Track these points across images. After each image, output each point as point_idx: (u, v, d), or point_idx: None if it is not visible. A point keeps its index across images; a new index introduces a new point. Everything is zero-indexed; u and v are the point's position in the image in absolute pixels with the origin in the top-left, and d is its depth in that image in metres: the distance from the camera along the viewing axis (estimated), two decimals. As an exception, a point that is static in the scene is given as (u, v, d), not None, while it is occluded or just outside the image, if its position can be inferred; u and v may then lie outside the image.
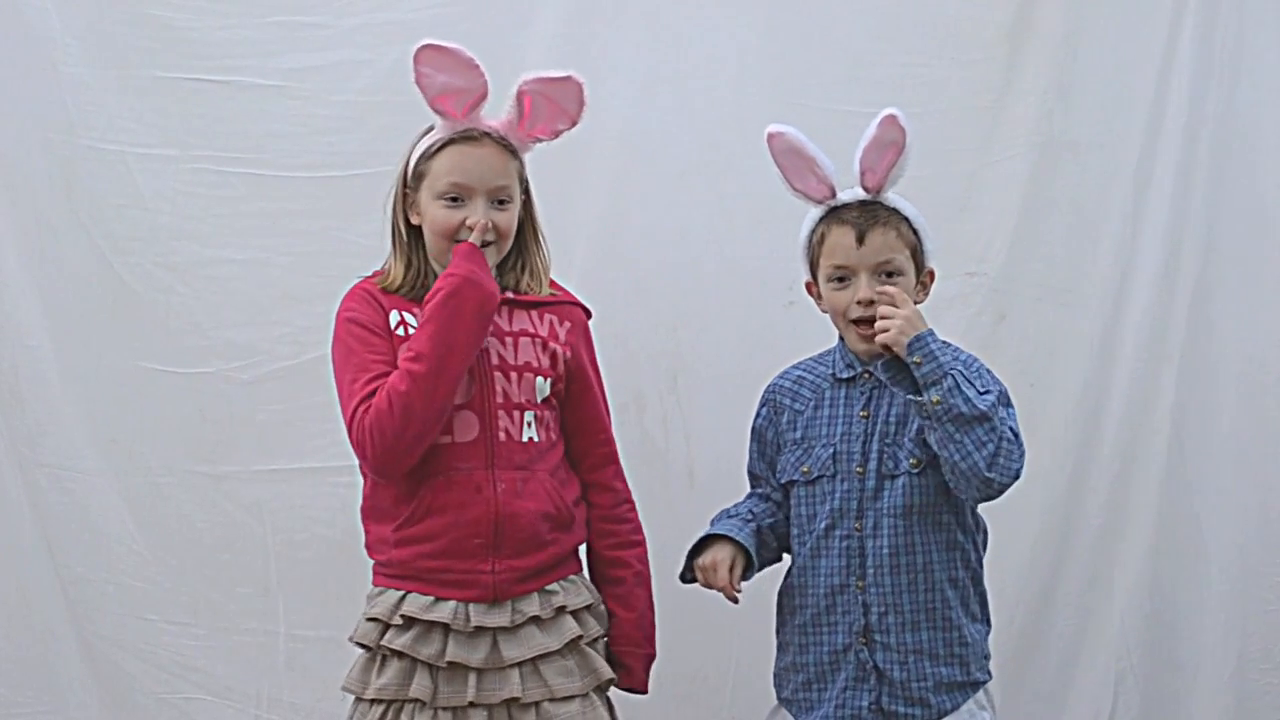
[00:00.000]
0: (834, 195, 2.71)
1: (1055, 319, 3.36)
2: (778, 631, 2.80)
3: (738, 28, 3.35)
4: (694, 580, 2.75)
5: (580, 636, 2.63)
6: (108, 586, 3.35)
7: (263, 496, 3.34)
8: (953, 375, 2.54)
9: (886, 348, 2.60)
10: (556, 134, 2.66)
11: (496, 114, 2.64)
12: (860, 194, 2.69)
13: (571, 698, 2.59)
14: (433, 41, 2.61)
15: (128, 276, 3.35)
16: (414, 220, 2.66)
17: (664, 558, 3.30)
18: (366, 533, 2.69)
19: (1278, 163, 3.35)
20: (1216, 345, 3.36)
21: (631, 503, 2.81)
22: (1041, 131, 3.33)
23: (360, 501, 2.71)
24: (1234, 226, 3.36)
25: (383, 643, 2.58)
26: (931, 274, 2.74)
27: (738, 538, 2.70)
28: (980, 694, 2.71)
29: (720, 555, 2.69)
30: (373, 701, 2.59)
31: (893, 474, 2.66)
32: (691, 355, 3.35)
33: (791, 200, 3.31)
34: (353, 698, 2.65)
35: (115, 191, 3.34)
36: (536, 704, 2.57)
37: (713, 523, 2.78)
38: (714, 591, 2.71)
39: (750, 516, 2.77)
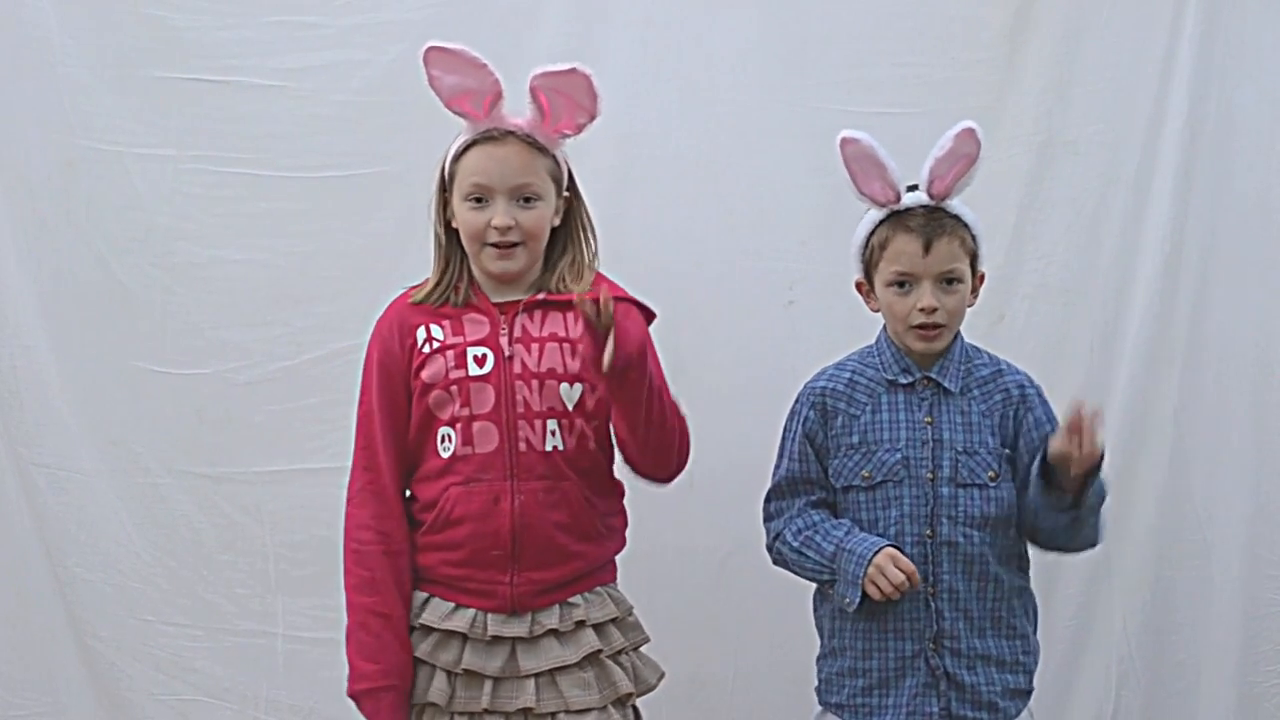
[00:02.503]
0: (898, 200, 2.69)
1: (1055, 319, 3.35)
2: (830, 636, 2.75)
3: (738, 28, 3.35)
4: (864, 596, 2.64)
5: (600, 650, 2.60)
6: (106, 587, 3.35)
7: (261, 498, 3.34)
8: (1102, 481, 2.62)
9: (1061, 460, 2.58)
10: (580, 128, 2.63)
11: (523, 111, 2.63)
12: (923, 199, 2.68)
13: (588, 710, 2.56)
14: (437, 44, 2.59)
15: (125, 277, 3.35)
16: (454, 224, 2.64)
17: (664, 558, 3.32)
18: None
19: (1278, 162, 3.35)
20: (1218, 345, 3.36)
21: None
22: (1041, 131, 3.33)
23: None
24: (1234, 226, 3.35)
25: None
26: (982, 277, 2.76)
27: (886, 543, 2.63)
28: (1030, 702, 2.73)
29: (880, 559, 2.59)
30: None
31: (969, 483, 2.66)
32: (691, 355, 3.33)
33: (791, 200, 3.33)
34: None
35: (113, 192, 3.34)
36: (552, 715, 2.56)
37: (834, 541, 2.66)
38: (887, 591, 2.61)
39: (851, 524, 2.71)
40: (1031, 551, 2.78)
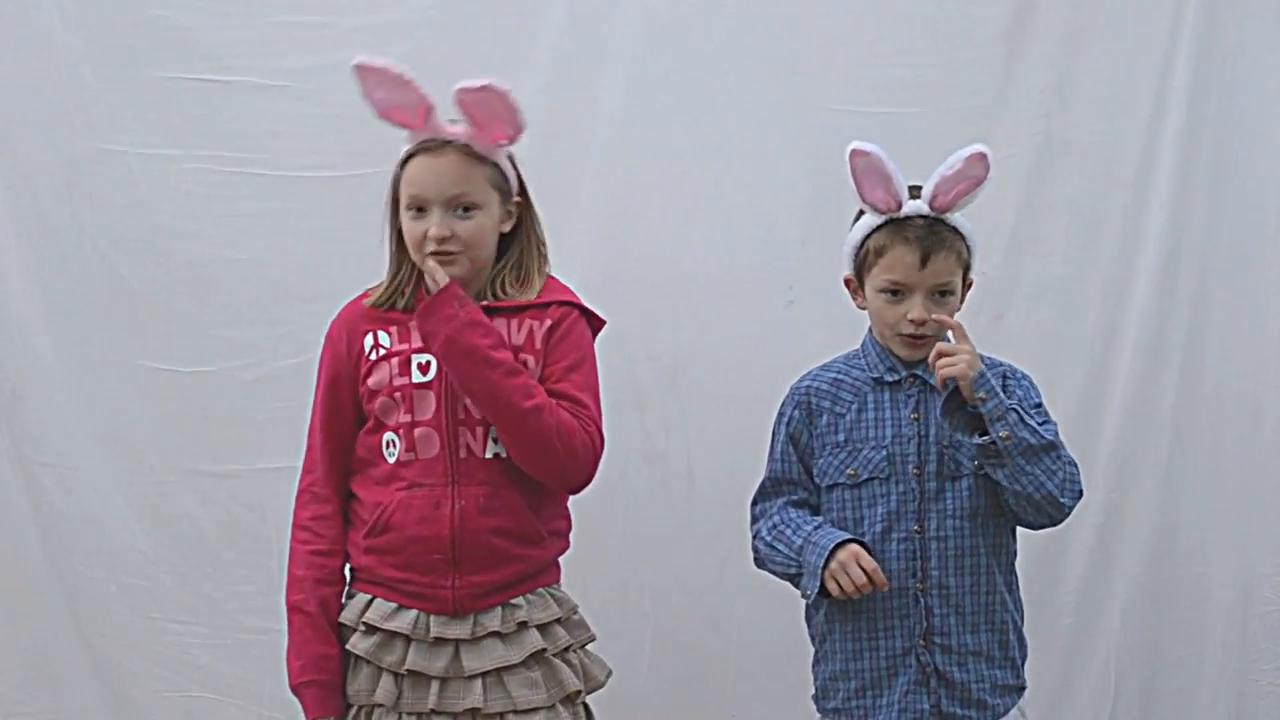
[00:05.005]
0: (900, 208, 2.68)
1: (1055, 319, 3.36)
2: (821, 641, 2.75)
3: (738, 27, 3.34)
4: (826, 593, 2.62)
5: (544, 649, 2.59)
6: (110, 585, 3.37)
7: (265, 495, 3.33)
8: (1014, 410, 2.55)
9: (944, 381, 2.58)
10: (513, 138, 2.60)
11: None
12: (924, 209, 2.67)
13: (535, 709, 2.56)
14: (363, 60, 2.58)
15: (129, 276, 3.36)
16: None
17: (664, 557, 3.34)
18: (347, 536, 2.68)
19: (1278, 163, 3.35)
20: (1216, 344, 3.36)
21: (580, 420, 2.58)
22: (1040, 131, 3.33)
23: None
24: (1233, 226, 3.36)
25: (347, 647, 2.60)
26: (970, 283, 2.74)
27: (853, 537, 2.62)
28: (1022, 699, 2.72)
29: (843, 555, 2.59)
30: (348, 704, 2.62)
31: (955, 475, 2.65)
32: (691, 355, 3.34)
33: (791, 200, 3.33)
34: None
35: (117, 191, 3.35)
36: (500, 715, 2.55)
37: (803, 535, 2.66)
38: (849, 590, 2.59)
39: (823, 521, 2.70)
40: (1027, 551, 2.78)
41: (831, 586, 2.60)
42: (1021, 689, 2.72)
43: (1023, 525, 2.70)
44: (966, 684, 2.65)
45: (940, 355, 2.58)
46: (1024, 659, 2.73)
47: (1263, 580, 3.35)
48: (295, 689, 2.60)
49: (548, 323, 2.62)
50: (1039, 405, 2.71)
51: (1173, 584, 3.39)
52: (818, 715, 2.77)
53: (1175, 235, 3.33)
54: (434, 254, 2.57)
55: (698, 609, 3.32)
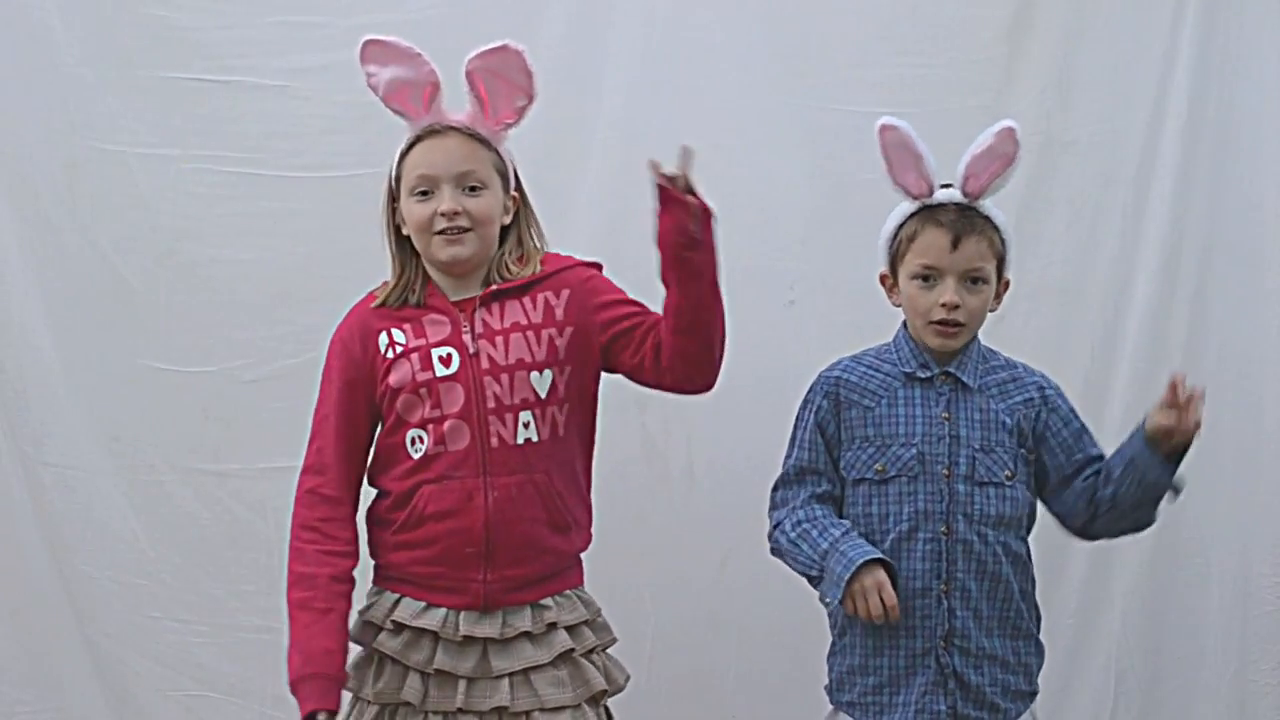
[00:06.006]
0: (931, 193, 2.69)
1: (1055, 319, 3.36)
2: (840, 633, 2.74)
3: (739, 28, 3.35)
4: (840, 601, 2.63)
5: (573, 649, 2.60)
6: (112, 585, 3.37)
7: (266, 494, 3.34)
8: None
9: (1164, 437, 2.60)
10: (521, 113, 2.63)
11: (464, 107, 2.64)
12: (957, 196, 2.68)
13: (562, 708, 2.56)
14: (372, 37, 2.64)
15: (130, 276, 3.36)
16: (404, 229, 2.65)
17: (664, 556, 3.34)
18: (369, 535, 2.69)
19: (1278, 162, 3.35)
20: (1216, 345, 3.37)
21: None
22: (1041, 131, 3.32)
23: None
24: (1234, 226, 3.36)
25: (375, 645, 2.60)
26: (1007, 283, 2.74)
27: (881, 557, 2.61)
28: (1034, 704, 2.73)
29: (869, 580, 2.58)
30: (368, 701, 2.61)
31: (985, 481, 2.66)
32: (691, 355, 3.34)
33: (791, 200, 3.32)
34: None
35: (117, 191, 3.35)
36: (526, 713, 2.56)
37: (830, 540, 2.64)
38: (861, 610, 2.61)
39: (850, 526, 2.69)
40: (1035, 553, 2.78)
41: (848, 605, 2.60)
42: (1033, 694, 2.73)
43: (1105, 537, 2.80)
44: (981, 687, 2.65)
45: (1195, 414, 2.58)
46: (1040, 665, 2.74)
47: (1262, 580, 3.36)
48: (295, 683, 2.56)
49: (565, 292, 2.63)
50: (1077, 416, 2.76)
51: (1173, 584, 3.39)
52: (830, 707, 2.77)
53: (1175, 235, 3.34)
54: (443, 231, 2.58)
55: (698, 609, 3.33)
